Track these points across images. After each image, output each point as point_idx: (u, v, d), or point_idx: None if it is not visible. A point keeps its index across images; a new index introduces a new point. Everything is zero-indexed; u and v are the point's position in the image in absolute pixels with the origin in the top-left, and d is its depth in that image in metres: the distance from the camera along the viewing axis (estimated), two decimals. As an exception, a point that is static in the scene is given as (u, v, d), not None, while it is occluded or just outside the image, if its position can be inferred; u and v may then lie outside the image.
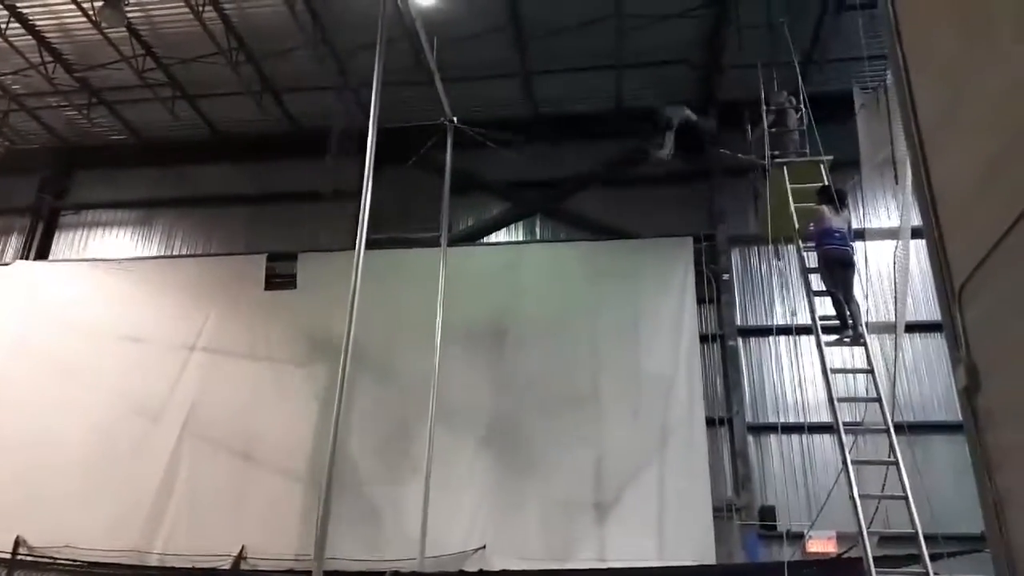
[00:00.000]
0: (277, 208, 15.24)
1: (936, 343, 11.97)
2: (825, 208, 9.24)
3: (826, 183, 9.58)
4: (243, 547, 11.94)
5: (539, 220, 14.63)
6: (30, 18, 12.94)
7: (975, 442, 2.49)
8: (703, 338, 12.73)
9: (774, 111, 10.46)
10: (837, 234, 9.09)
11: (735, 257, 13.48)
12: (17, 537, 12.34)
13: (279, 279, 14.06)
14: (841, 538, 10.29)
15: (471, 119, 11.04)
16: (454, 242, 12.21)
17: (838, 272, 9.00)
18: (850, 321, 8.89)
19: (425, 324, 9.94)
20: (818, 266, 9.27)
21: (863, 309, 9.14)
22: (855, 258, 9.18)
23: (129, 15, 12.36)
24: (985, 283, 2.34)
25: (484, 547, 11.50)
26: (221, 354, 13.49)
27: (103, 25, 12.51)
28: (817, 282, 9.42)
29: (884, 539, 8.22)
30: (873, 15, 9.97)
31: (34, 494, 12.49)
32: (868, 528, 7.23)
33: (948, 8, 2.63)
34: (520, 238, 14.60)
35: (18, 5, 12.64)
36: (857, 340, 8.84)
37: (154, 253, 15.54)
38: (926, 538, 7.09)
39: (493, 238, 14.62)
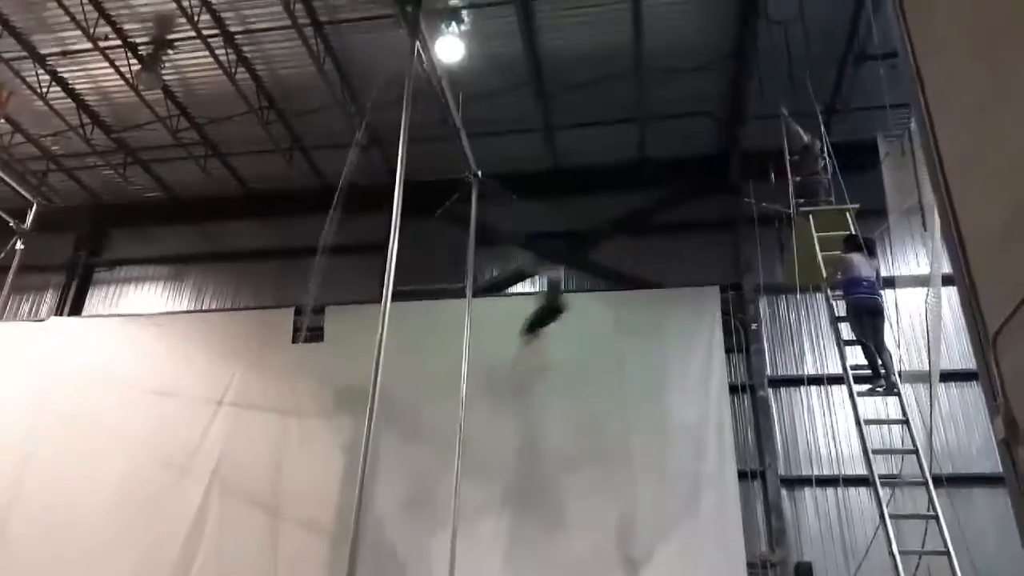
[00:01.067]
0: (305, 262, 15.41)
1: (973, 392, 11.67)
2: (853, 256, 9.17)
3: (852, 232, 9.53)
4: (269, 603, 11.80)
5: (563, 271, 14.64)
6: (70, 82, 13.44)
7: (1017, 494, 2.41)
8: (732, 389, 12.53)
9: (799, 157, 10.46)
10: (865, 283, 9.00)
11: (763, 306, 13.35)
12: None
13: (307, 332, 14.15)
14: (881, 596, 9.93)
15: (495, 172, 11.19)
16: (479, 294, 12.24)
17: (867, 321, 8.88)
18: (882, 370, 8.73)
19: (450, 376, 9.93)
20: (847, 315, 9.17)
21: (895, 358, 8.99)
22: (884, 306, 9.07)
23: (165, 77, 12.81)
24: (1021, 330, 2.29)
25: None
26: (248, 408, 13.54)
27: (140, 88, 12.95)
28: (847, 331, 9.29)
29: (926, 597, 7.94)
30: (894, 64, 10.02)
31: (62, 547, 12.49)
32: (909, 585, 6.98)
33: (969, 55, 2.64)
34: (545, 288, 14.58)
35: (59, 70, 13.14)
36: (890, 390, 8.67)
37: (184, 308, 15.75)
38: (971, 596, 6.83)
39: (518, 289, 14.65)
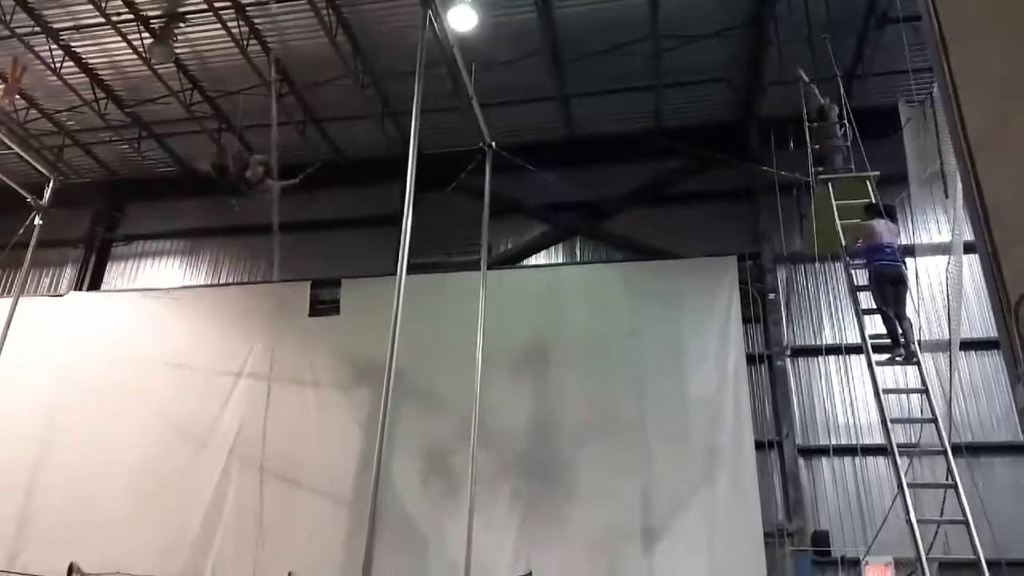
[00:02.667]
0: (321, 235, 15.46)
1: (994, 361, 11.57)
2: (875, 223, 9.05)
3: (873, 199, 9.39)
4: (290, 573, 11.99)
5: (579, 242, 14.60)
6: (83, 57, 13.43)
7: (1038, 466, 2.38)
8: (750, 359, 12.47)
9: (817, 124, 10.28)
10: (888, 249, 8.87)
11: (781, 275, 13.25)
12: (71, 564, 12.56)
13: (323, 305, 14.21)
14: (899, 564, 9.93)
15: (510, 143, 11.10)
16: (494, 265, 12.23)
17: (889, 289, 8.77)
18: (902, 339, 8.65)
19: (466, 348, 9.93)
20: (868, 283, 9.05)
21: (915, 327, 8.90)
22: (906, 274, 8.95)
23: (177, 51, 12.77)
24: (1044, 299, 2.24)
25: (530, 574, 11.37)
26: (266, 380, 13.66)
27: (153, 62, 12.92)
28: (867, 300, 9.20)
29: (944, 565, 7.96)
30: (917, 27, 9.80)
31: (86, 521, 12.73)
32: (927, 554, 6.98)
33: (995, 19, 2.56)
34: (560, 260, 14.57)
35: (73, 45, 13.13)
36: (910, 359, 8.60)
37: (201, 281, 15.87)
38: (988, 564, 6.82)
39: (533, 260, 14.62)
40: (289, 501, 12.65)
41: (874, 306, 8.97)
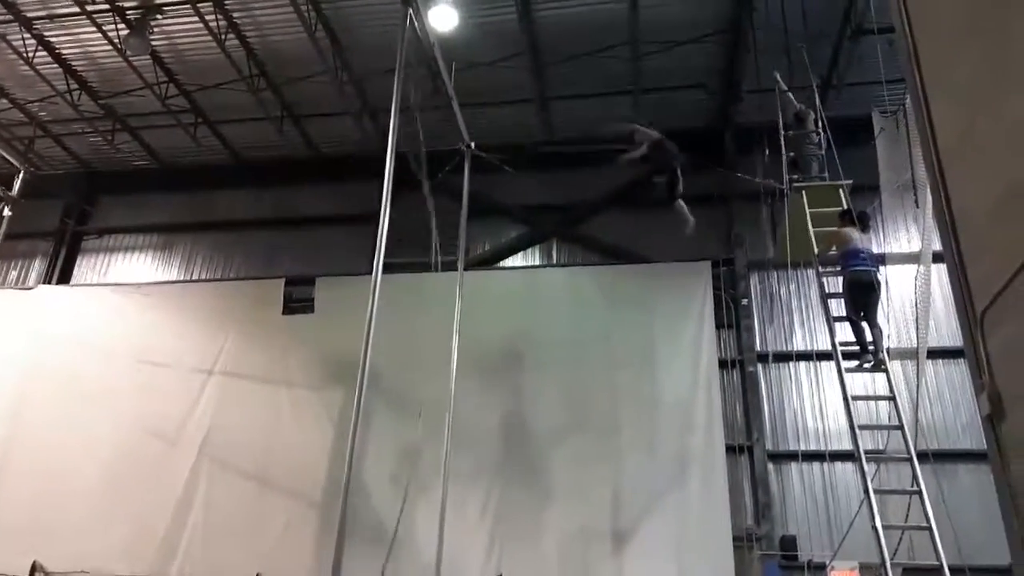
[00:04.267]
0: (295, 232, 15.36)
1: (960, 369, 11.77)
2: (848, 230, 9.16)
3: (846, 207, 9.52)
4: (258, 573, 11.88)
5: (555, 244, 14.63)
6: (57, 47, 13.23)
7: (1000, 471, 2.43)
8: (722, 364, 12.59)
9: (792, 131, 10.40)
10: (862, 254, 8.98)
11: (754, 282, 13.38)
12: (34, 562, 12.36)
13: (297, 303, 14.11)
14: (864, 569, 10.05)
15: (488, 144, 11.11)
16: (471, 266, 12.22)
17: (861, 296, 8.86)
18: (871, 347, 8.77)
19: (441, 348, 9.91)
20: (842, 289, 9.13)
21: (884, 334, 9.02)
22: (879, 280, 9.05)
23: (153, 43, 12.62)
24: (1008, 309, 2.29)
25: (501, 575, 11.37)
26: (238, 378, 13.53)
27: (128, 53, 12.76)
28: (838, 307, 9.31)
29: (908, 570, 8.06)
30: (891, 39, 9.95)
31: (50, 518, 12.54)
32: (892, 559, 7.07)
33: (965, 33, 2.61)
34: (537, 262, 14.59)
35: (46, 34, 12.93)
36: (878, 366, 8.71)
37: (174, 277, 15.69)
38: (952, 570, 6.94)
39: (510, 262, 14.63)
40: (259, 500, 12.53)
41: (844, 313, 9.08)
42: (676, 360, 12.41)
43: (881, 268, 9.50)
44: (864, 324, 8.84)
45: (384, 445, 12.11)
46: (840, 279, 9.28)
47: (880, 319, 9.02)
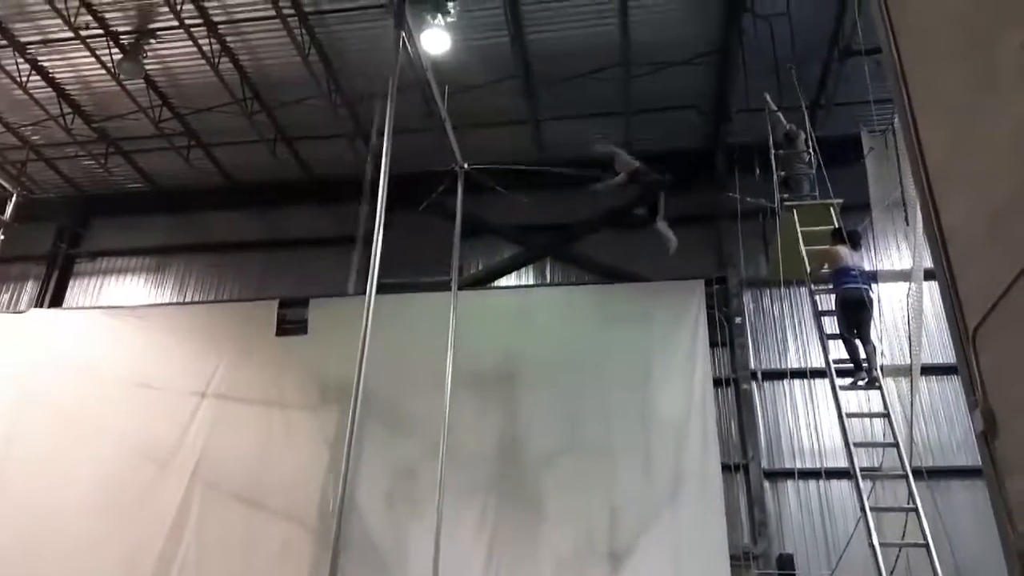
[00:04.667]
0: (289, 254, 15.35)
1: (954, 386, 11.80)
2: (839, 248, 9.22)
3: (837, 225, 9.59)
4: (251, 597, 11.76)
5: (549, 264, 14.67)
6: (50, 71, 13.27)
7: (995, 488, 2.43)
8: (716, 382, 12.60)
9: (783, 151, 10.48)
10: (854, 271, 9.04)
11: (747, 300, 13.42)
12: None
13: (290, 324, 14.08)
14: (862, 587, 10.03)
15: (481, 165, 11.16)
16: (464, 286, 12.22)
17: (854, 314, 8.91)
18: (865, 364, 8.80)
19: (435, 369, 9.89)
20: (835, 307, 9.20)
21: (877, 351, 9.05)
22: (872, 298, 9.11)
23: (147, 67, 12.68)
24: (999, 326, 2.31)
25: (496, 597, 11.28)
26: (232, 400, 13.46)
27: (122, 77, 12.81)
28: (831, 325, 9.35)
29: (906, 588, 8.02)
30: (878, 60, 10.07)
31: (43, 542, 12.38)
32: (889, 577, 7.05)
33: (952, 52, 2.65)
34: (530, 282, 14.62)
35: (39, 59, 12.97)
36: (872, 384, 8.74)
37: (167, 300, 15.65)
38: (949, 587, 6.91)
39: (503, 282, 14.65)
40: (253, 523, 12.41)
41: (838, 331, 9.11)
42: (670, 378, 12.40)
43: (873, 285, 9.56)
44: (857, 341, 8.88)
45: (379, 465, 12.05)
46: (833, 297, 9.33)
47: (873, 336, 9.06)
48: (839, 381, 8.71)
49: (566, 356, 12.70)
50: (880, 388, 8.63)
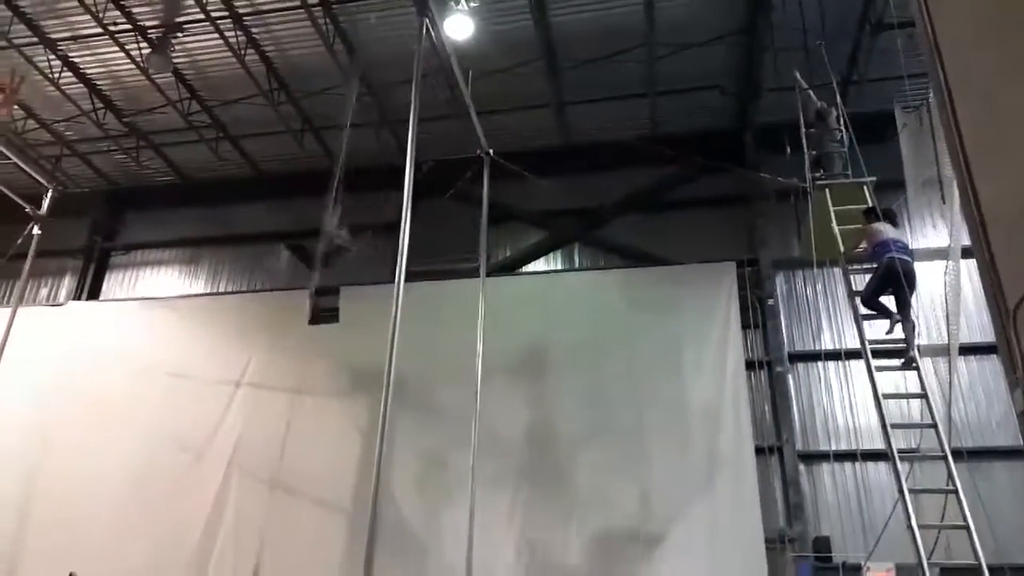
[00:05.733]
0: (319, 243, 15.44)
1: (993, 365, 11.58)
2: (877, 225, 9.02)
3: (871, 204, 9.39)
4: (289, 583, 11.96)
5: (577, 248, 14.61)
6: (81, 67, 13.46)
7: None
8: (749, 365, 12.49)
9: (814, 129, 10.27)
10: (899, 243, 8.75)
11: (779, 281, 13.26)
12: (71, 574, 12.50)
13: (322, 313, 14.20)
14: (900, 570, 9.92)
15: (507, 150, 11.13)
16: (492, 272, 12.23)
17: (896, 285, 8.56)
18: (903, 343, 8.58)
19: (464, 355, 9.92)
20: (874, 276, 8.88)
21: (915, 331, 8.87)
22: (915, 271, 8.81)
23: (175, 60, 12.81)
24: (1041, 304, 2.25)
25: (530, 581, 11.34)
26: (266, 389, 13.64)
27: (150, 71, 12.95)
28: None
29: (946, 571, 7.91)
30: (912, 33, 9.83)
31: (84, 531, 12.68)
32: (929, 559, 6.95)
33: (987, 24, 2.57)
34: (558, 267, 14.58)
35: (70, 55, 13.16)
36: (910, 364, 8.56)
37: (200, 291, 15.87)
38: (991, 570, 6.80)
39: (531, 267, 14.63)
40: (289, 510, 12.61)
41: (873, 303, 8.89)
42: (702, 362, 12.32)
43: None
44: (897, 316, 8.61)
45: (410, 452, 12.15)
46: (867, 277, 9.12)
47: (912, 315, 8.86)
48: (875, 362, 8.54)
49: (596, 341, 12.66)
50: (917, 368, 8.46)
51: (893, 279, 8.49)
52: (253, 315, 14.47)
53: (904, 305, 8.64)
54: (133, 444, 13.33)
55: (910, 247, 9.14)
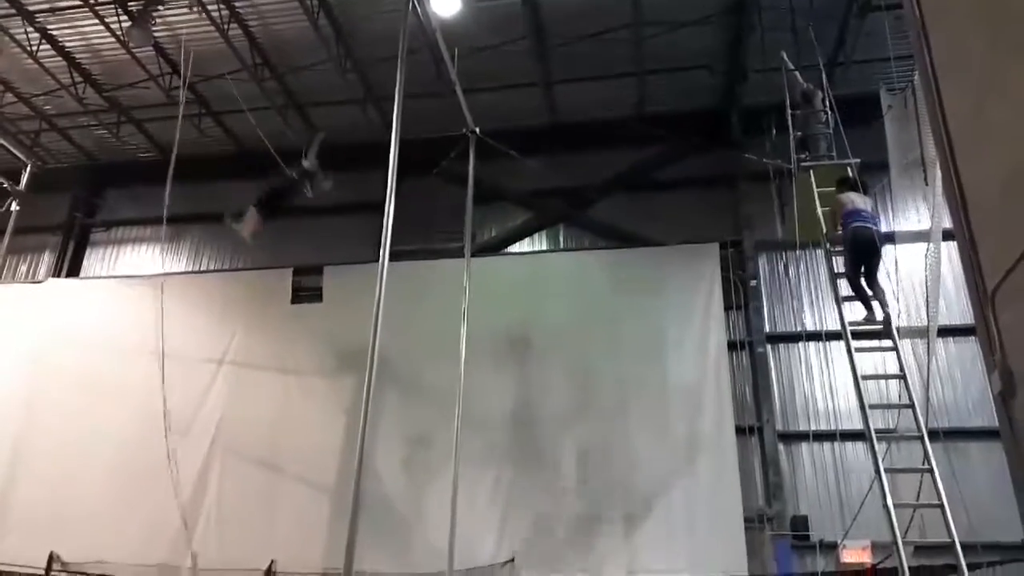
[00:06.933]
0: (302, 221, 15.36)
1: (971, 347, 11.71)
2: (848, 194, 9.14)
3: (848, 175, 9.47)
4: (272, 561, 11.99)
5: (562, 229, 14.61)
6: (60, 40, 13.22)
7: (1012, 449, 2.42)
8: (731, 345, 12.60)
9: (800, 111, 10.30)
10: (864, 213, 8.95)
11: (762, 263, 13.34)
12: (51, 553, 12.49)
13: (305, 292, 14.14)
14: (876, 548, 10.09)
15: (493, 129, 11.07)
16: (477, 252, 12.21)
17: (864, 254, 8.81)
18: (874, 303, 8.73)
19: (449, 335, 9.93)
20: (843, 247, 9.09)
21: (894, 313, 8.96)
22: (880, 239, 9.00)
23: (156, 34, 12.59)
24: (1019, 286, 2.27)
25: (513, 560, 11.44)
26: (249, 368, 13.60)
27: (131, 45, 12.74)
28: (847, 287, 9.26)
29: (920, 548, 8.06)
30: (899, 15, 9.83)
31: (66, 510, 12.66)
32: (903, 537, 7.07)
33: (975, 7, 2.58)
34: (544, 247, 14.57)
35: (48, 27, 12.92)
36: (887, 324, 8.66)
37: (182, 269, 15.73)
38: (964, 547, 6.92)
39: (516, 248, 14.61)
40: (272, 489, 12.63)
41: (845, 272, 9.02)
42: (685, 342, 12.41)
43: (888, 248, 9.45)
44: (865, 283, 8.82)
45: (395, 431, 12.18)
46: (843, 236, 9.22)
47: (883, 280, 8.99)
48: (855, 343, 8.63)
49: (580, 321, 12.71)
50: (896, 349, 8.56)
51: (859, 248, 8.70)
52: (236, 293, 14.39)
53: (871, 273, 8.80)
54: (115, 422, 13.27)
55: (877, 216, 9.28)
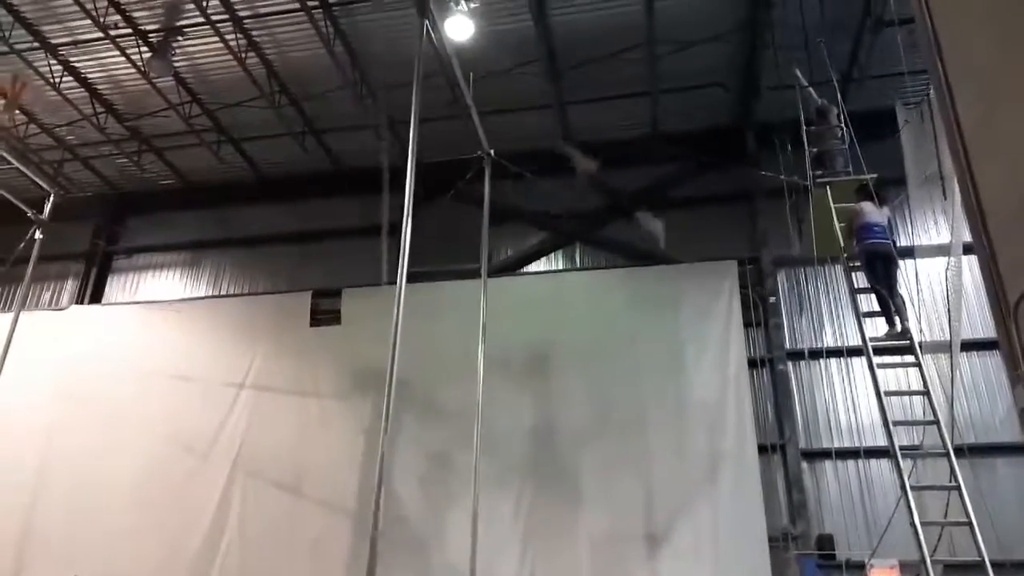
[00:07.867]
0: (320, 245, 15.49)
1: (995, 361, 11.57)
2: (864, 204, 9.15)
3: (864, 183, 9.47)
4: (294, 584, 11.97)
5: (579, 248, 14.62)
6: (82, 72, 13.49)
7: (1040, 465, 2.38)
8: (751, 363, 12.49)
9: (815, 127, 10.31)
10: (877, 228, 8.99)
11: (781, 279, 13.27)
12: (74, 576, 12.54)
13: (324, 315, 14.22)
14: (904, 567, 9.90)
15: (508, 151, 11.14)
16: (494, 273, 12.23)
17: (880, 267, 8.87)
18: (895, 316, 8.72)
19: (467, 355, 9.93)
20: (860, 263, 9.15)
21: (916, 328, 8.91)
22: (895, 252, 9.04)
23: (176, 64, 12.83)
24: (1042, 299, 2.25)
25: (534, 580, 11.35)
26: (269, 391, 13.65)
27: (151, 75, 12.97)
28: (867, 303, 9.21)
29: (949, 567, 7.94)
30: (912, 30, 9.83)
31: (88, 535, 12.71)
32: (932, 556, 6.96)
33: (987, 19, 2.58)
34: (560, 267, 14.58)
35: (71, 60, 13.19)
36: (904, 335, 8.63)
37: (202, 294, 15.88)
38: (993, 565, 6.81)
39: (533, 267, 14.64)
40: (293, 512, 12.62)
41: (868, 285, 9.05)
42: (704, 360, 12.32)
43: (907, 262, 9.43)
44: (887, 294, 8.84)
45: (414, 453, 12.16)
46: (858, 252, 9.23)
47: (901, 289, 9.00)
48: (876, 359, 8.56)
49: (598, 340, 12.66)
50: (919, 364, 8.48)
51: (874, 262, 8.84)
52: (255, 317, 14.48)
53: (890, 285, 8.82)
54: (137, 447, 13.35)
55: (891, 228, 9.34)
